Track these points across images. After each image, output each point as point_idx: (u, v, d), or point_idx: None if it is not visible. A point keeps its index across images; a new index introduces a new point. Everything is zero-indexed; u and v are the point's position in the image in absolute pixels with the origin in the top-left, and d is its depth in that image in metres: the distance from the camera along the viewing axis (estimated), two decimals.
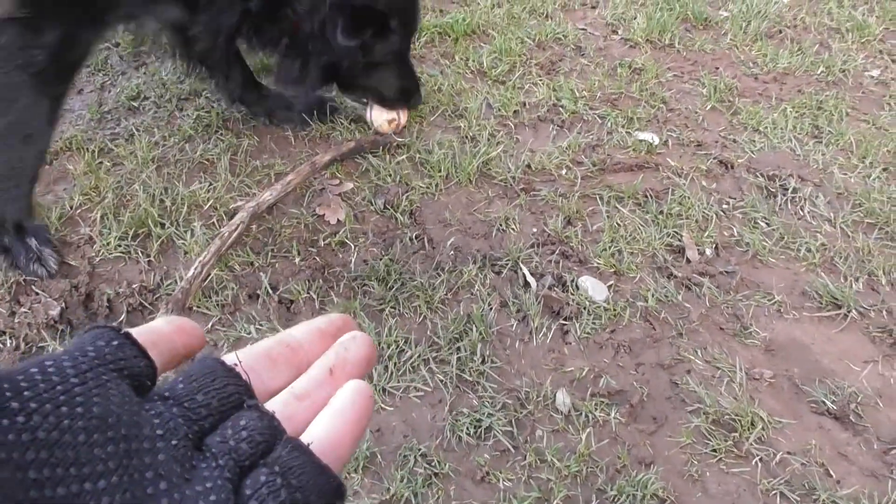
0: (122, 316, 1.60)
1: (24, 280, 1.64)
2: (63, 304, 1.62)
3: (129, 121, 2.10)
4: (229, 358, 0.45)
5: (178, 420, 0.40)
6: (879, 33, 2.84)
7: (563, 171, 2.04)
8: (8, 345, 1.53)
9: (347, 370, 0.48)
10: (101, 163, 1.93)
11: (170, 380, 0.42)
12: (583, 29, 2.69)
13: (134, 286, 1.66)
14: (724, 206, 1.99)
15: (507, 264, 1.77)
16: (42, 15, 1.42)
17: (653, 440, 1.46)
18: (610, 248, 1.82)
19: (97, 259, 1.71)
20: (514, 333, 1.63)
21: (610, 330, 1.65)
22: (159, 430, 0.39)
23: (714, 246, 1.87)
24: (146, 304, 1.63)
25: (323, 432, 0.44)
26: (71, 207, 1.82)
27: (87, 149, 1.97)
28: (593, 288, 1.72)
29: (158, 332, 0.46)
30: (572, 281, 1.73)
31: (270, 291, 1.65)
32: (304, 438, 0.42)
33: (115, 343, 0.42)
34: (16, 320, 1.57)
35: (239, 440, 0.41)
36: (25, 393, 0.36)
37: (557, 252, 1.80)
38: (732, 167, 2.13)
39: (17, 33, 1.41)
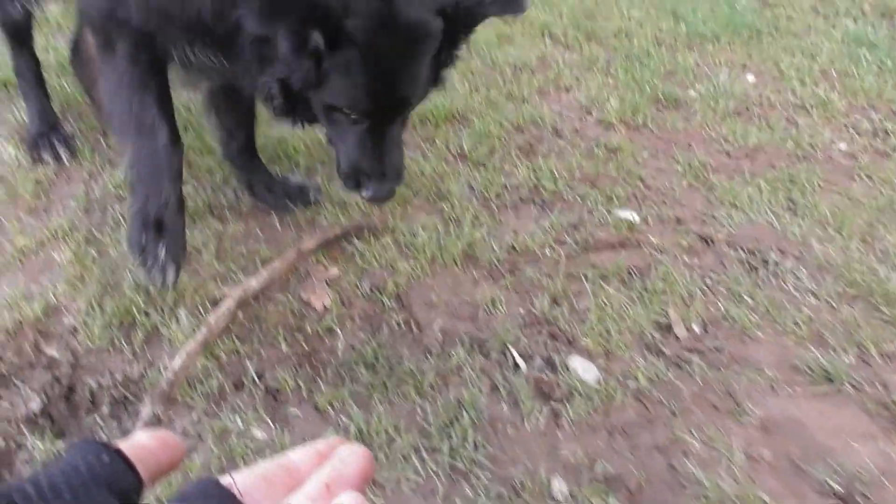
0: (105, 408, 1.56)
1: (5, 372, 1.60)
2: (44, 398, 1.57)
3: (116, 208, 2.10)
4: (225, 480, 0.44)
5: None
6: (843, 108, 2.96)
7: (547, 251, 2.06)
8: None
9: (344, 485, 0.47)
10: (87, 251, 1.92)
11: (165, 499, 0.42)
12: (558, 112, 2.78)
13: (118, 377, 1.62)
14: (708, 282, 2.01)
15: (495, 346, 1.76)
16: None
17: None
18: (598, 327, 1.82)
19: (80, 350, 1.68)
20: (505, 418, 1.61)
21: (603, 412, 1.63)
22: None
23: (701, 322, 1.88)
24: (129, 397, 1.59)
25: None
26: (55, 297, 1.79)
27: (73, 238, 1.96)
28: (583, 369, 1.71)
29: (142, 446, 0.47)
30: (562, 362, 1.72)
31: (257, 380, 1.62)
32: None
33: (106, 459, 0.44)
34: None
35: None
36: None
37: (545, 332, 1.80)
38: (713, 242, 2.17)
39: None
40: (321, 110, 1.53)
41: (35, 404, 1.56)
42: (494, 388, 1.67)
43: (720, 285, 2.00)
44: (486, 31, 3.26)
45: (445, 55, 1.52)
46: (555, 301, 1.91)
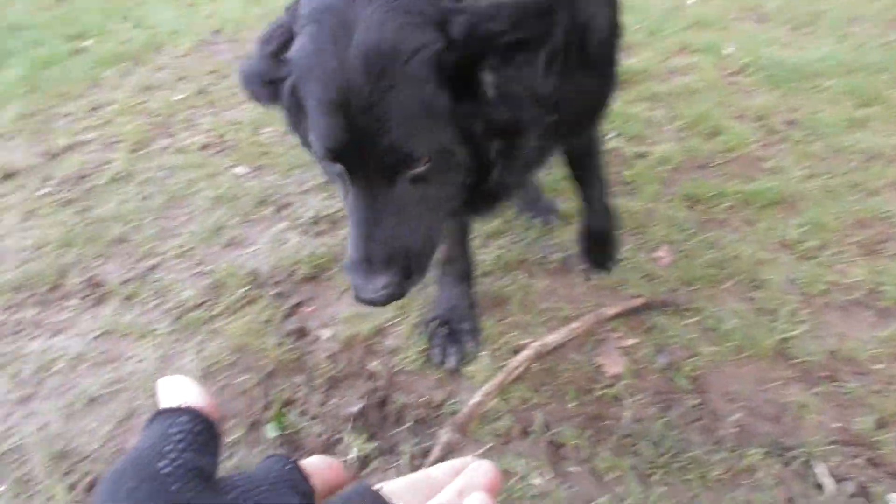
0: (408, 424, 1.76)
1: (339, 374, 1.90)
2: (363, 403, 1.83)
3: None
4: (376, 486, 0.57)
5: None
6: None
7: (880, 366, 1.83)
8: (315, 430, 1.76)
9: (473, 491, 0.57)
10: None
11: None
12: None
13: (423, 399, 1.82)
14: None
15: (798, 457, 1.61)
16: None
17: None
18: None
19: (396, 369, 1.92)
20: None
21: None
22: None
23: None
24: (430, 419, 1.77)
25: None
26: (384, 321, 2.08)
27: None
28: None
29: (316, 466, 0.61)
30: (880, 495, 1.51)
31: (545, 429, 1.70)
32: None
33: (289, 468, 0.57)
34: (325, 409, 1.81)
35: None
36: (236, 491, 0.51)
37: (863, 457, 1.60)
38: None
39: None
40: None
41: (355, 408, 1.83)
42: (791, 501, 1.52)
43: None
44: (835, 112, 3.01)
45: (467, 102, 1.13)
46: (881, 424, 1.68)
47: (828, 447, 1.62)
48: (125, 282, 2.26)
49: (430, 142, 1.13)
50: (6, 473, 1.67)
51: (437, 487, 0.61)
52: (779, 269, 2.17)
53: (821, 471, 1.57)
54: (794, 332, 1.92)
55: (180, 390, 0.56)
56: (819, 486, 1.54)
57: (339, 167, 1.16)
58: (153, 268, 2.33)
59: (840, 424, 1.68)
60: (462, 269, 2.04)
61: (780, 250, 2.27)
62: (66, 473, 1.66)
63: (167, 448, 0.50)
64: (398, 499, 0.59)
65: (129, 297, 2.20)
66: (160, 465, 0.48)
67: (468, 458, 0.63)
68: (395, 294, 1.18)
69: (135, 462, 0.49)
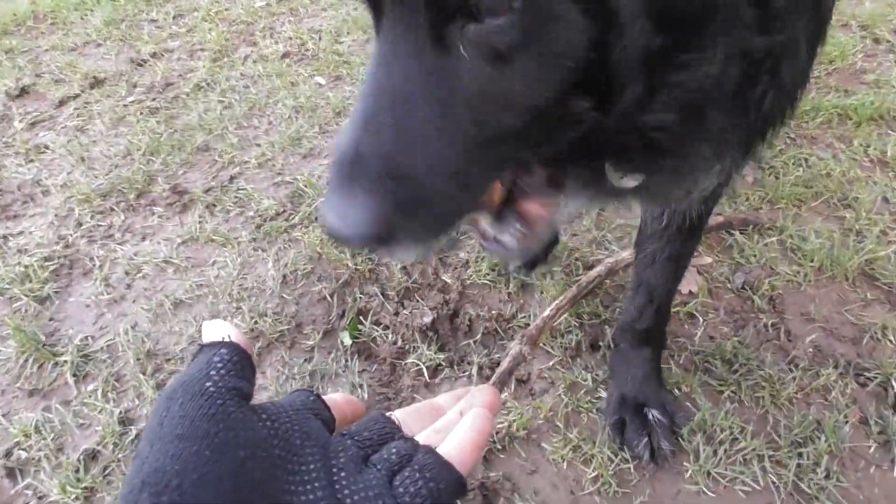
0: (479, 336, 1.80)
1: (412, 285, 1.95)
2: (435, 315, 1.88)
3: None
4: (388, 413, 0.68)
5: (352, 446, 0.62)
6: None
7: None
8: (388, 339, 1.83)
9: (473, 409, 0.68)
10: None
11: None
12: None
13: (493, 312, 1.85)
14: None
15: (875, 377, 1.58)
16: None
17: None
18: None
19: (468, 282, 1.95)
20: (870, 456, 1.45)
21: None
22: (340, 447, 0.61)
23: None
24: (500, 331, 1.81)
25: (451, 444, 0.63)
26: (458, 233, 2.10)
27: None
28: None
29: (335, 401, 0.70)
30: None
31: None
32: (439, 450, 0.62)
33: (313, 399, 0.67)
34: (398, 319, 1.87)
35: (390, 454, 0.61)
36: (268, 412, 0.61)
37: None
38: None
39: None
40: None
41: (427, 318, 1.88)
42: (864, 421, 1.50)
43: None
44: None
45: None
46: None
47: None
48: (208, 190, 2.35)
49: None
50: (99, 371, 1.81)
51: (440, 411, 0.72)
52: (871, 188, 2.06)
53: None
54: (880, 253, 1.84)
55: (221, 330, 0.67)
56: (895, 407, 1.52)
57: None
58: (235, 177, 2.41)
59: None
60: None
61: (874, 168, 2.15)
62: (155, 372, 1.79)
63: (212, 373, 0.60)
64: (408, 423, 0.68)
65: (211, 205, 2.29)
66: (207, 384, 0.58)
67: (472, 388, 0.72)
68: (369, 238, 0.66)
69: (185, 384, 0.59)
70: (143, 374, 1.77)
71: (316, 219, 2.20)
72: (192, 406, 0.56)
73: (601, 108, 0.69)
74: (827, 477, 1.41)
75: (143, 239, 2.21)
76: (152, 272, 2.08)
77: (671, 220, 1.26)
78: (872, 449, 1.46)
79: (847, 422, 1.50)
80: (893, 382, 1.56)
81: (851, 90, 2.49)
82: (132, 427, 1.66)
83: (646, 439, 1.46)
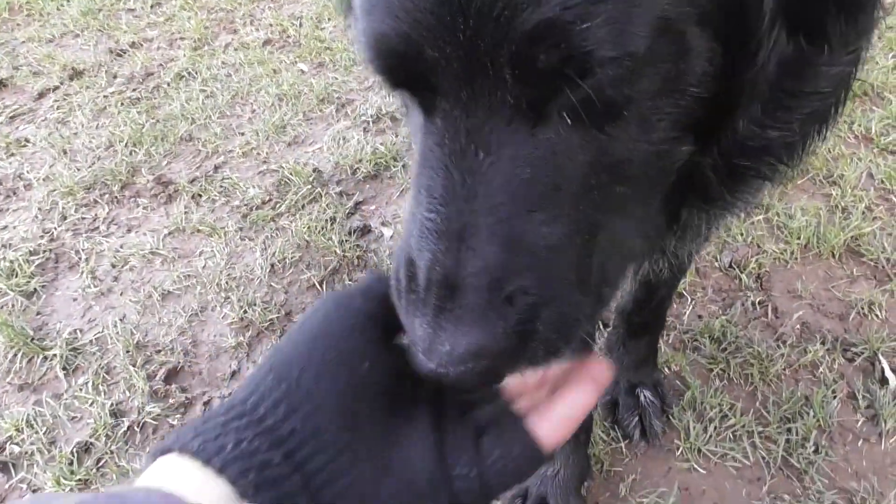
0: None
1: None
2: None
3: None
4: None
5: (457, 402, 0.60)
6: None
7: None
8: None
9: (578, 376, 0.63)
10: None
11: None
12: None
13: None
14: None
15: (862, 353, 1.59)
16: None
17: None
18: None
19: None
20: (857, 430, 1.47)
21: None
22: (449, 401, 0.60)
23: None
24: None
25: (548, 417, 0.60)
26: None
27: None
28: None
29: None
30: None
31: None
32: (543, 414, 0.60)
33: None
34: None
35: (486, 414, 0.60)
36: (402, 350, 0.59)
37: None
38: None
39: None
40: None
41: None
42: (852, 395, 1.52)
43: None
44: None
45: None
46: None
47: (893, 343, 1.60)
48: (193, 180, 2.33)
49: (642, 21, 0.50)
50: (89, 364, 1.80)
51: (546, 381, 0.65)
52: (856, 164, 2.07)
53: (885, 366, 1.55)
54: (866, 229, 1.85)
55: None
56: (883, 381, 1.54)
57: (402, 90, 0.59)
58: (219, 166, 2.39)
59: None
60: None
61: (859, 145, 2.16)
62: (145, 363, 1.78)
63: (366, 293, 0.61)
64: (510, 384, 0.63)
65: (197, 195, 2.27)
66: (356, 300, 0.59)
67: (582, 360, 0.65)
68: (500, 369, 0.57)
69: (338, 296, 0.60)
70: (134, 365, 1.76)
71: (303, 207, 2.19)
72: (335, 314, 0.58)
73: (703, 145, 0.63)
74: (816, 451, 1.43)
75: (129, 231, 2.20)
76: (139, 264, 2.06)
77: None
78: (860, 423, 1.48)
79: (835, 397, 1.52)
80: (880, 357, 1.58)
81: None
82: (124, 419, 1.65)
83: (636, 419, 1.47)
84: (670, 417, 1.51)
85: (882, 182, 2.01)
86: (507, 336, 0.54)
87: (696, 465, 1.43)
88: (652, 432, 1.46)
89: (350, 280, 1.94)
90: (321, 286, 1.92)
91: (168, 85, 2.81)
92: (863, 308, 1.69)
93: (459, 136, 0.53)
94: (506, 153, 0.53)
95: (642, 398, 1.49)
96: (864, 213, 1.91)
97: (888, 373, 1.54)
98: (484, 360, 0.54)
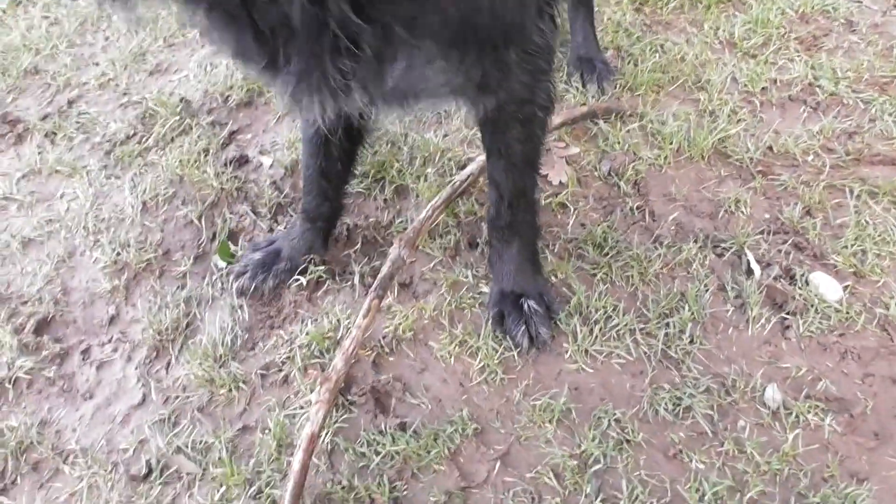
0: (358, 245, 1.77)
1: (284, 200, 1.87)
2: None
3: None
4: None
5: None
6: None
7: (810, 158, 1.89)
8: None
9: None
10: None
11: None
12: (857, 2, 2.42)
13: (370, 220, 1.83)
14: None
15: (730, 248, 1.70)
16: None
17: (871, 456, 1.35)
18: (853, 246, 1.67)
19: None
20: (728, 319, 1.57)
21: (838, 333, 1.53)
22: None
23: None
24: (379, 239, 1.79)
25: None
26: None
27: None
28: (826, 286, 1.59)
29: None
30: (802, 275, 1.62)
31: (488, 243, 1.74)
32: None
33: None
34: (273, 236, 1.80)
35: None
36: None
37: (790, 243, 1.69)
38: None
39: None
40: None
41: None
42: (722, 288, 1.62)
43: None
44: None
45: None
46: (808, 212, 1.77)
47: (758, 237, 1.71)
48: (45, 117, 2.13)
49: None
50: None
51: None
52: (722, 69, 2.15)
53: (750, 258, 1.66)
54: (731, 131, 1.95)
55: None
56: (749, 272, 1.65)
57: None
58: (74, 101, 2.19)
59: (770, 215, 1.77)
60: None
61: (724, 50, 2.24)
62: (10, 317, 1.65)
63: None
64: None
65: (51, 133, 2.08)
66: None
67: None
68: None
69: None
70: None
71: (172, 140, 2.05)
72: None
73: None
74: (691, 342, 1.52)
75: None
76: None
77: None
78: (730, 313, 1.58)
79: (707, 290, 1.61)
80: (746, 251, 1.68)
81: None
82: None
83: (523, 327, 1.52)
84: (558, 323, 1.56)
85: (745, 85, 2.10)
86: None
87: (583, 366, 1.50)
88: (539, 340, 1.51)
89: (231, 213, 1.85)
90: (199, 221, 1.83)
91: (3, 13, 2.52)
92: (730, 206, 1.79)
93: None
94: None
95: (526, 307, 1.53)
96: (729, 115, 2.00)
97: (753, 264, 1.65)
98: None
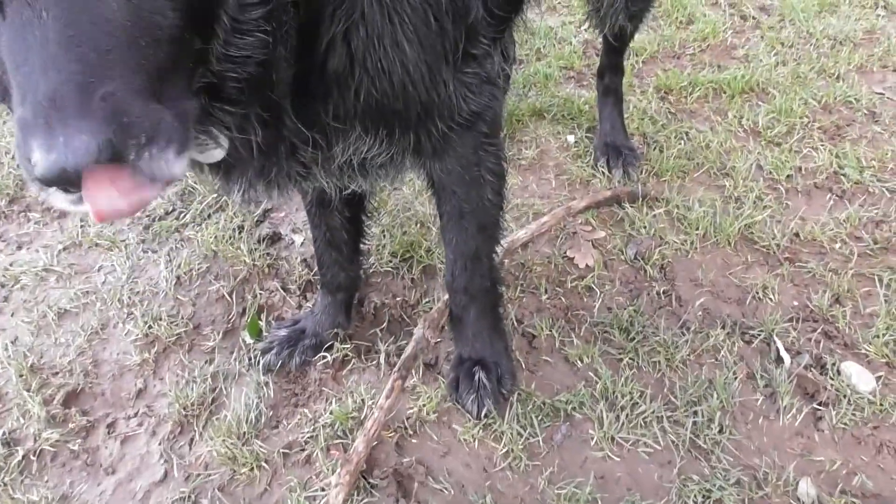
0: (385, 324, 1.79)
1: (314, 277, 1.90)
2: None
3: None
4: None
5: None
6: None
7: (837, 245, 1.88)
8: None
9: None
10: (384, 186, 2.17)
11: None
12: (880, 93, 2.46)
13: (398, 299, 1.85)
14: None
15: (759, 335, 1.68)
16: None
17: None
18: (885, 335, 1.64)
19: (371, 270, 1.93)
20: (758, 409, 1.54)
21: (872, 425, 1.49)
22: None
23: None
24: (406, 317, 1.80)
25: None
26: None
27: None
28: (858, 376, 1.56)
29: None
30: (833, 364, 1.59)
31: (515, 324, 1.74)
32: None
33: None
34: (302, 311, 1.83)
35: None
36: None
37: (819, 331, 1.67)
38: None
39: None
40: None
41: None
42: (751, 376, 1.60)
43: None
44: None
45: None
46: (837, 300, 1.75)
47: (787, 324, 1.69)
48: None
49: None
50: None
51: None
52: (746, 156, 2.18)
53: (779, 346, 1.64)
54: (758, 218, 1.96)
55: None
56: (779, 360, 1.62)
57: None
58: None
59: (798, 302, 1.75)
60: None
61: (748, 138, 2.28)
62: (41, 387, 1.68)
63: None
64: None
65: None
66: None
67: None
68: (108, 146, 0.68)
69: None
70: (28, 390, 1.65)
71: (209, 216, 2.12)
72: None
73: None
74: (721, 431, 1.49)
75: (20, 248, 2.07)
76: (31, 282, 1.94)
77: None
78: (760, 401, 1.55)
79: (736, 378, 1.59)
80: (775, 338, 1.66)
81: (724, 65, 2.63)
82: (18, 448, 1.55)
83: (474, 396, 1.53)
84: (581, 406, 1.54)
85: (770, 172, 2.13)
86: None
87: (610, 454, 1.47)
88: (483, 411, 1.53)
89: (262, 290, 1.89)
90: (230, 297, 1.87)
91: None
92: (758, 292, 1.78)
93: (24, 10, 0.69)
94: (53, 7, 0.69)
95: (477, 378, 1.55)
96: (755, 202, 2.01)
97: (783, 352, 1.63)
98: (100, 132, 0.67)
